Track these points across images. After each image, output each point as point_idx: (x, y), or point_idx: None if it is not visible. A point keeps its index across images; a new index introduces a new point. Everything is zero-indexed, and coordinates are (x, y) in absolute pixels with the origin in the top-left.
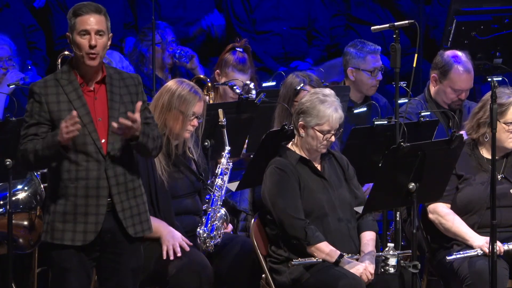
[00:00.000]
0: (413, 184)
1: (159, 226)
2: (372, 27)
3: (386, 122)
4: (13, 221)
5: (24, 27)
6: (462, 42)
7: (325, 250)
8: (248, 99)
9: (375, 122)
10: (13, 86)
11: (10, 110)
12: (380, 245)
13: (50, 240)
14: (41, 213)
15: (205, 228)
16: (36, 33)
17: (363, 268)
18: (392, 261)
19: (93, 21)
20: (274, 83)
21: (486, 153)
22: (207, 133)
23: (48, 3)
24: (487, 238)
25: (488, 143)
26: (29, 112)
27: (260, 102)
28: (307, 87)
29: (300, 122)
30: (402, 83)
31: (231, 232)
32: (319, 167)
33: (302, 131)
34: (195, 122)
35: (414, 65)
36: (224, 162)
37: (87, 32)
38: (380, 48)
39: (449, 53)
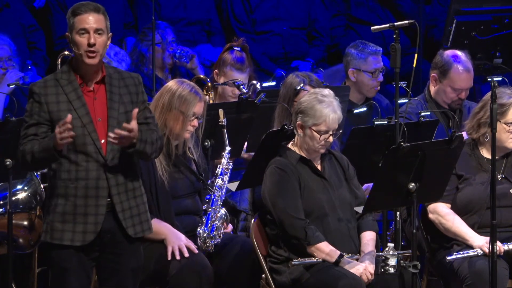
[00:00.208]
0: (413, 184)
1: (163, 228)
2: (372, 27)
3: (386, 122)
4: (13, 221)
5: (24, 27)
6: (462, 42)
7: (325, 250)
8: (248, 99)
9: (375, 122)
10: (13, 86)
11: (10, 110)
12: (380, 245)
13: (49, 240)
14: (41, 213)
15: (205, 228)
16: (36, 33)
17: (363, 268)
18: (392, 261)
19: (91, 20)
20: (274, 83)
21: (486, 153)
22: (207, 133)
23: (48, 3)
24: (487, 238)
25: (488, 143)
26: (28, 112)
27: (260, 102)
28: (307, 87)
29: (298, 122)
30: (402, 83)
31: (231, 232)
32: (319, 167)
33: (300, 131)
34: (195, 122)
35: (414, 65)
36: (224, 162)
37: (86, 31)
38: (381, 49)
39: (448, 52)
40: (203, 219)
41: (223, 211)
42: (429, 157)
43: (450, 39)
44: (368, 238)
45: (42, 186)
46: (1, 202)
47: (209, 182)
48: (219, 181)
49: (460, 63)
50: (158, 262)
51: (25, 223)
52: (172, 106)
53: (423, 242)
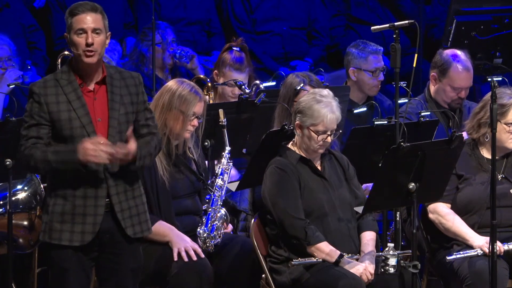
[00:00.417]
0: (413, 184)
1: (168, 230)
2: (372, 27)
3: (386, 122)
4: (13, 221)
5: (24, 27)
6: (462, 42)
7: (325, 250)
8: (248, 99)
9: (375, 122)
10: (13, 86)
11: (10, 110)
12: (380, 245)
13: (48, 240)
14: (41, 213)
15: (205, 228)
16: (36, 33)
17: (363, 268)
18: (392, 261)
19: (89, 19)
20: (274, 83)
21: (486, 153)
22: (207, 133)
23: (48, 3)
24: (487, 238)
25: (488, 143)
26: (28, 112)
27: (260, 102)
28: (307, 87)
29: (297, 122)
30: (402, 83)
31: (231, 232)
32: (319, 167)
33: (299, 131)
34: (195, 122)
35: (414, 65)
36: (224, 162)
37: (83, 31)
38: (382, 48)
39: (448, 51)
40: (203, 219)
41: (223, 211)
42: (429, 157)
43: (450, 39)
44: (368, 238)
45: (42, 186)
46: (1, 202)
47: (209, 182)
48: (219, 181)
49: (459, 62)
50: (158, 262)
51: (25, 223)
52: (172, 105)
53: (423, 242)
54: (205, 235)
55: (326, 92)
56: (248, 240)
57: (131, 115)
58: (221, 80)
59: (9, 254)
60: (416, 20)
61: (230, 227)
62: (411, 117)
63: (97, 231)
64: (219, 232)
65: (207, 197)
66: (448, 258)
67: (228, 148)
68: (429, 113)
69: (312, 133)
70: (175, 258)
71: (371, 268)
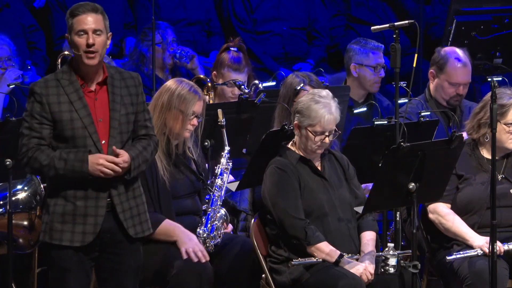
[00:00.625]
0: (413, 184)
1: (175, 230)
2: (372, 27)
3: (386, 122)
4: (13, 221)
5: (24, 27)
6: (462, 42)
7: (325, 250)
8: (248, 99)
9: (375, 122)
10: (13, 86)
11: (10, 110)
12: (380, 245)
13: (48, 240)
14: (41, 213)
15: (205, 228)
16: (36, 33)
17: (363, 268)
18: (392, 261)
19: (90, 20)
20: (274, 83)
21: (486, 153)
22: (207, 133)
23: (48, 3)
24: (487, 238)
25: (488, 143)
26: (29, 112)
27: (260, 102)
28: (307, 87)
29: (296, 122)
30: (402, 83)
31: (231, 232)
32: (319, 167)
33: (297, 131)
34: (195, 121)
35: (414, 65)
36: (224, 162)
37: (84, 32)
38: (382, 46)
39: (446, 48)
40: (203, 219)
41: (223, 211)
42: (429, 157)
43: (450, 39)
44: (368, 238)
45: (42, 186)
46: (1, 202)
47: (208, 182)
48: (218, 181)
49: (456, 58)
50: (158, 262)
51: (25, 223)
52: (171, 105)
53: (423, 242)
54: (205, 235)
55: (325, 93)
56: (248, 240)
57: (131, 115)
58: (220, 81)
59: (9, 254)
60: (416, 19)
61: (230, 227)
62: (411, 117)
63: (98, 232)
64: (219, 232)
65: (207, 197)
66: (448, 258)
67: (227, 148)
68: (429, 113)
69: (310, 134)
70: (184, 257)
71: (371, 268)
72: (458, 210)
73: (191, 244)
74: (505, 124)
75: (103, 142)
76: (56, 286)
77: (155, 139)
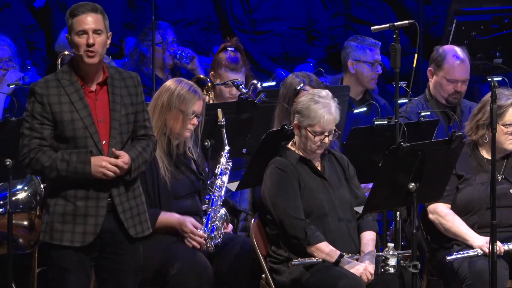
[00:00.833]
0: (413, 184)
1: (171, 221)
2: (372, 27)
3: (386, 122)
4: (13, 221)
5: (24, 27)
6: (462, 42)
7: (325, 250)
8: (248, 99)
9: (375, 122)
10: (13, 86)
11: (10, 110)
12: (380, 245)
13: (48, 240)
14: (41, 213)
15: (205, 229)
16: (36, 33)
17: (363, 268)
18: (392, 261)
19: (90, 20)
20: (274, 83)
21: (486, 154)
22: (207, 133)
23: (48, 3)
24: (487, 238)
25: (487, 144)
26: (29, 112)
27: (260, 102)
28: (307, 87)
29: (295, 122)
30: (402, 83)
31: (231, 232)
32: (319, 167)
33: (297, 131)
34: (195, 121)
35: (414, 65)
36: (223, 162)
37: (84, 32)
38: (380, 43)
39: (444, 46)
40: (203, 219)
41: (223, 211)
42: (429, 157)
43: (450, 39)
44: (368, 238)
45: (42, 186)
46: (1, 202)
47: (208, 182)
48: (218, 181)
49: (454, 55)
50: (158, 262)
51: (25, 223)
52: (171, 105)
53: (423, 242)
54: (205, 235)
55: (324, 93)
56: (248, 240)
57: (131, 115)
58: (217, 81)
59: (9, 254)
60: (416, 19)
61: (230, 227)
62: (411, 116)
63: (99, 232)
64: (219, 232)
65: (207, 197)
66: (448, 258)
67: (227, 148)
68: (429, 113)
69: (309, 134)
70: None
71: (371, 268)
72: (458, 210)
73: (186, 231)
74: (503, 125)
75: (104, 142)
76: (56, 286)
77: (154, 139)
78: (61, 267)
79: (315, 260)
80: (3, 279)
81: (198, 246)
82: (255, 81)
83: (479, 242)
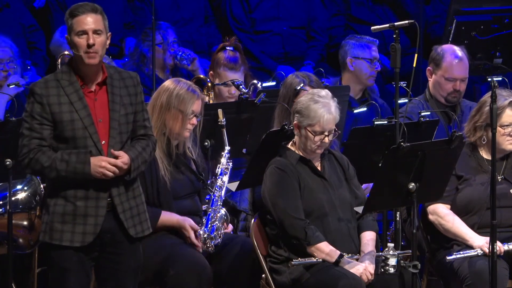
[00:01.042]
0: (413, 184)
1: (168, 219)
2: (372, 27)
3: (386, 122)
4: (13, 221)
5: (24, 27)
6: (462, 42)
7: (325, 250)
8: (248, 99)
9: (375, 122)
10: (13, 86)
11: (11, 110)
12: (380, 245)
13: (48, 240)
14: (41, 213)
15: (205, 229)
16: (36, 33)
17: (363, 268)
18: (392, 261)
19: (90, 20)
20: (274, 83)
21: (485, 154)
22: (207, 133)
23: (48, 3)
24: (487, 238)
25: (486, 145)
26: (29, 112)
27: (260, 102)
28: (307, 87)
29: (295, 122)
30: (402, 83)
31: (231, 232)
32: (319, 167)
33: (297, 131)
34: (194, 120)
35: (414, 65)
36: (224, 162)
37: (84, 32)
38: (377, 40)
39: (443, 46)
40: (203, 219)
41: (223, 211)
42: (429, 157)
43: (450, 39)
44: (368, 238)
45: (42, 186)
46: (1, 202)
47: (208, 182)
48: (218, 181)
49: (452, 53)
50: (158, 262)
51: (25, 223)
52: (170, 105)
53: (423, 242)
54: (205, 235)
55: (324, 92)
56: (248, 240)
57: (130, 115)
58: (216, 81)
59: (9, 254)
60: (416, 19)
61: (230, 227)
62: (411, 116)
63: (98, 232)
64: (219, 233)
65: (207, 197)
66: (448, 258)
67: (227, 148)
68: (429, 113)
69: (309, 134)
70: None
71: (371, 268)
72: (458, 210)
73: (185, 231)
74: (500, 126)
75: (103, 142)
76: (56, 286)
77: (153, 139)
78: (61, 267)
79: (315, 260)
80: (3, 279)
81: (200, 245)
82: (255, 81)
83: (479, 242)
